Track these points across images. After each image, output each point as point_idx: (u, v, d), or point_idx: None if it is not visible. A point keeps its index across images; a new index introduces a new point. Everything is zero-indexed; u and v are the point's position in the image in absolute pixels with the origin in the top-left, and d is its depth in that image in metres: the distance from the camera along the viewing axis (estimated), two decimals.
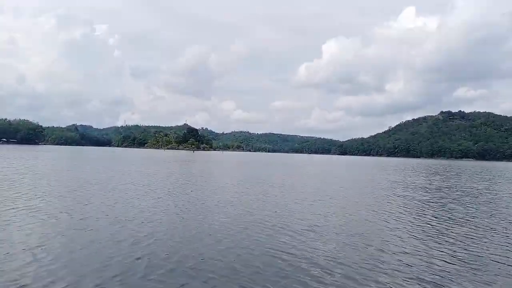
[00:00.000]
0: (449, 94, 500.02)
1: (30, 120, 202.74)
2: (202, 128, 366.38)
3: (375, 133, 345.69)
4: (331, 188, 22.66)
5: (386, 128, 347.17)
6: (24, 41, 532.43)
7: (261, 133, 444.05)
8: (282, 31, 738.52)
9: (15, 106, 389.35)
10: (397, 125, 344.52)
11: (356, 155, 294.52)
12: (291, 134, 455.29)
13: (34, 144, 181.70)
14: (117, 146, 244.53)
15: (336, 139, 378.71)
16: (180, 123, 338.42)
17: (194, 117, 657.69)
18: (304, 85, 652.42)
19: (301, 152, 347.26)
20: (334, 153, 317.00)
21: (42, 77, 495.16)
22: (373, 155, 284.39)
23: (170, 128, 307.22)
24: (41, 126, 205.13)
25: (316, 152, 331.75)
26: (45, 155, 56.54)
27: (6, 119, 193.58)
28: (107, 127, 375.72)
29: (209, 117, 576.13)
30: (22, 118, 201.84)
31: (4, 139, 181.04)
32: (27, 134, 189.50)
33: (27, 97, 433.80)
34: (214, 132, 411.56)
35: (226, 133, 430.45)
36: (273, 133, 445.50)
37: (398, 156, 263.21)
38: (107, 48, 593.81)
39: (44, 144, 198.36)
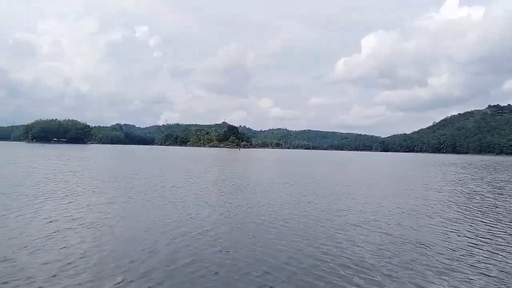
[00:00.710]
0: (497, 86, 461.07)
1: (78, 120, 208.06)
2: (240, 126, 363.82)
3: (418, 129, 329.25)
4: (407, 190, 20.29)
5: (430, 124, 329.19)
6: (69, 44, 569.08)
7: (299, 130, 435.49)
8: (317, 28, 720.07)
9: (61, 107, 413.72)
10: (442, 120, 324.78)
11: (399, 151, 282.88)
12: (329, 131, 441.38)
13: (83, 143, 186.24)
14: (160, 145, 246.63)
15: (377, 135, 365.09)
16: (218, 122, 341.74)
17: (232, 115, 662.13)
18: (342, 80, 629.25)
19: (341, 149, 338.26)
20: (376, 150, 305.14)
21: (86, 78, 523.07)
22: (416, 152, 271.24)
23: (209, 126, 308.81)
24: (89, 126, 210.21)
25: (356, 149, 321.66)
26: (104, 155, 57.37)
27: (56, 119, 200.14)
28: (148, 126, 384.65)
29: (246, 115, 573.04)
30: (68, 118, 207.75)
31: (55, 139, 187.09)
32: (76, 134, 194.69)
33: (73, 98, 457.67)
34: (251, 129, 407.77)
35: (264, 131, 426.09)
36: (311, 130, 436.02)
37: (443, 153, 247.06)
38: (147, 49, 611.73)
39: (92, 143, 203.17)
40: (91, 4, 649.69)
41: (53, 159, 38.56)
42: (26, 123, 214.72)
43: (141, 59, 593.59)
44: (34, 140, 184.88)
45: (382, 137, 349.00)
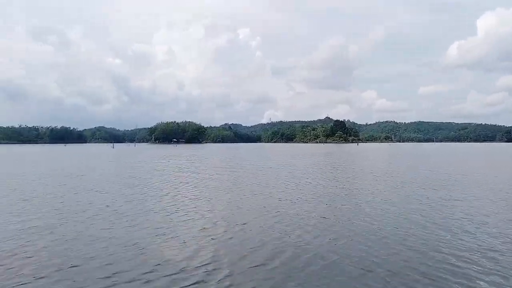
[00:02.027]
0: None
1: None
2: (344, 120, 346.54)
3: None
4: None
5: None
6: (180, 51, 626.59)
7: (409, 122, 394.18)
8: (423, 12, 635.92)
9: (176, 110, 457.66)
10: None
11: None
12: (444, 121, 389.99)
13: (198, 143, 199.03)
14: (267, 142, 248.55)
15: (501, 124, 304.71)
16: (321, 117, 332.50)
17: (334, 110, 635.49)
18: (455, 66, 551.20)
19: (458, 140, 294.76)
20: (500, 141, 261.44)
21: (197, 82, 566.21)
22: None
23: (313, 122, 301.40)
24: (203, 126, 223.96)
25: (476, 140, 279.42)
26: (235, 153, 53.78)
27: (174, 121, 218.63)
28: (253, 124, 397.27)
29: (349, 109, 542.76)
30: (185, 120, 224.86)
31: (174, 139, 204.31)
32: (192, 134, 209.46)
33: (185, 101, 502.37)
34: (356, 123, 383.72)
35: (370, 124, 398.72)
36: (422, 122, 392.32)
37: None
38: (249, 50, 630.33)
39: (206, 143, 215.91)
40: (197, 12, 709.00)
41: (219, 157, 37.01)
42: (146, 126, 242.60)
43: (244, 60, 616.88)
44: (157, 141, 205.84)
45: (506, 126, 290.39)
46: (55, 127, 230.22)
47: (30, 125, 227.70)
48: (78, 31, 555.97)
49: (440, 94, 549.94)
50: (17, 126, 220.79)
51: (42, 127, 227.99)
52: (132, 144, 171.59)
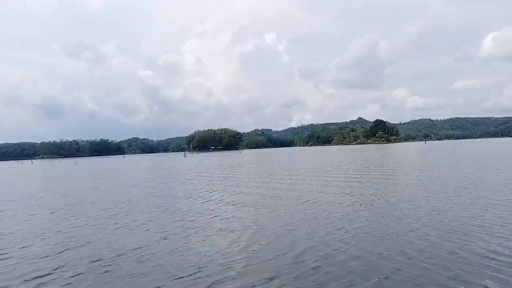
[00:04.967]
0: None
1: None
2: (376, 120, 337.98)
3: None
4: None
5: None
6: (208, 60, 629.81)
7: (444, 118, 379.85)
8: (458, 4, 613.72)
9: (206, 118, 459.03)
10: None
11: None
12: (482, 116, 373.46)
13: (235, 149, 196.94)
14: (302, 146, 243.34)
15: None
16: (354, 118, 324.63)
17: (366, 110, 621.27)
18: (492, 58, 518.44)
19: (501, 136, 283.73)
20: None
21: (226, 89, 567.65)
22: None
23: (345, 123, 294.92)
24: (239, 133, 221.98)
25: None
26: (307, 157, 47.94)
27: (211, 129, 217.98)
28: (283, 129, 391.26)
29: (380, 108, 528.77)
30: (221, 127, 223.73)
31: (212, 147, 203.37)
32: (229, 141, 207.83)
33: (215, 109, 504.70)
34: (389, 122, 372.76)
35: (404, 123, 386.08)
36: (459, 118, 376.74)
37: None
38: (277, 54, 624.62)
39: (242, 149, 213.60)
40: (224, 19, 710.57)
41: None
42: (178, 135, 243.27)
43: (272, 64, 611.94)
44: (195, 149, 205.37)
45: None
46: (94, 140, 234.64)
47: (68, 139, 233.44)
48: (110, 45, 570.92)
49: (476, 88, 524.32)
50: (58, 140, 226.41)
51: (82, 141, 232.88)
52: (181, 153, 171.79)
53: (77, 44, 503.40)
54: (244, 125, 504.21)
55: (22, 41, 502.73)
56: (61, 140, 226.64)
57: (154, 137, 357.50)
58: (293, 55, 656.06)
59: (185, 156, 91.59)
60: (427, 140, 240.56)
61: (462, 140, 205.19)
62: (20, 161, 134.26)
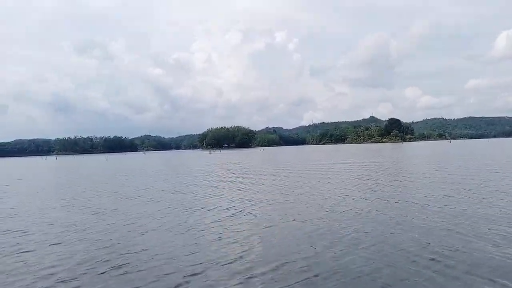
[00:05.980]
0: None
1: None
2: (391, 118, 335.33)
3: None
4: None
5: None
6: (217, 58, 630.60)
7: (458, 118, 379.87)
8: (468, 3, 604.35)
9: (216, 116, 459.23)
10: None
11: None
12: (496, 116, 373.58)
13: (248, 147, 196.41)
14: (315, 144, 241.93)
15: None
16: (365, 116, 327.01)
17: (377, 109, 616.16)
18: (505, 57, 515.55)
19: None
20: None
21: (235, 88, 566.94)
22: None
23: (356, 122, 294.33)
24: (252, 130, 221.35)
25: None
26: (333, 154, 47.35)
27: (224, 127, 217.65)
28: (293, 127, 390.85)
29: (392, 107, 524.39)
30: (235, 125, 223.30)
31: (225, 144, 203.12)
32: (242, 139, 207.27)
33: (225, 107, 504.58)
34: (401, 121, 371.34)
35: (417, 122, 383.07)
36: (473, 117, 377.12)
37: None
38: (287, 53, 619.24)
39: (254, 147, 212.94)
40: (233, 18, 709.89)
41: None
42: (188, 133, 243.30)
43: (282, 63, 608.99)
44: (208, 146, 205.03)
45: None
46: (108, 136, 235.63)
47: (81, 136, 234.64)
48: (120, 43, 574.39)
49: (490, 86, 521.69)
50: (72, 137, 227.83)
51: (96, 137, 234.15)
52: (197, 151, 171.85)
53: (87, 42, 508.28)
54: (254, 124, 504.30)
55: (32, 39, 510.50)
56: (75, 137, 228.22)
57: (164, 134, 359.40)
58: (303, 53, 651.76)
59: (210, 154, 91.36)
60: (443, 140, 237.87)
61: (489, 139, 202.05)
62: (44, 157, 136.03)
